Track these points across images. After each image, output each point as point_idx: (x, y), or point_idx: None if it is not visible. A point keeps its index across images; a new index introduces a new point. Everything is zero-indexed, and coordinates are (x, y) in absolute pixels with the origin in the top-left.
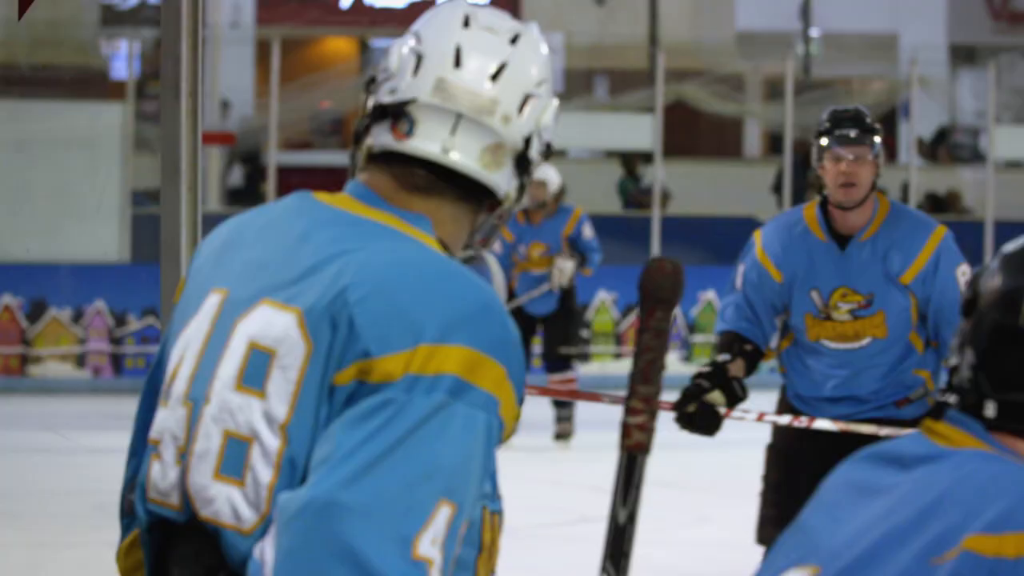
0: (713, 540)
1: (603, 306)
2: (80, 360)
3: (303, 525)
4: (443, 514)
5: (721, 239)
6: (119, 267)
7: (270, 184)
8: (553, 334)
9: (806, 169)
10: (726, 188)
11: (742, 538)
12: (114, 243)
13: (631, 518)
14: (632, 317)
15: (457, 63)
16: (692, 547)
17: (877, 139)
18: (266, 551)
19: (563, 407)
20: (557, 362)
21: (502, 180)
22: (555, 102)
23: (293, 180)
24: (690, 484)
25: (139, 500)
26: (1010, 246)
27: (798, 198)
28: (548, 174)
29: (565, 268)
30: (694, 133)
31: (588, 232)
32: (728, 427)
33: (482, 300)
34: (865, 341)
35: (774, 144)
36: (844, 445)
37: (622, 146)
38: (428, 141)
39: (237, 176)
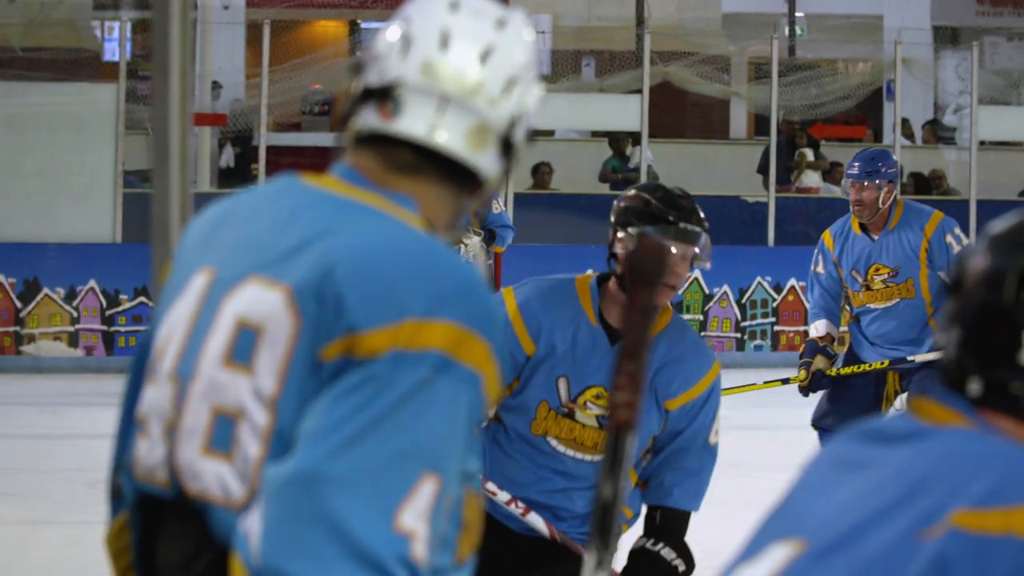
0: (699, 517)
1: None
2: (72, 339)
3: (288, 497)
4: (427, 488)
5: (708, 219)
6: (111, 247)
7: (261, 165)
8: None
9: (791, 149)
10: (712, 168)
11: (728, 512)
12: (106, 223)
13: (617, 494)
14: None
15: (444, 46)
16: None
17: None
18: (251, 523)
19: None
20: None
21: (487, 162)
22: (539, 87)
23: (284, 161)
24: None
25: (126, 477)
26: (995, 225)
27: (784, 178)
28: None
29: (470, 244)
30: (680, 114)
31: (496, 207)
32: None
33: (467, 277)
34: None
35: (760, 125)
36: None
37: (609, 127)
38: (415, 122)
39: (228, 157)
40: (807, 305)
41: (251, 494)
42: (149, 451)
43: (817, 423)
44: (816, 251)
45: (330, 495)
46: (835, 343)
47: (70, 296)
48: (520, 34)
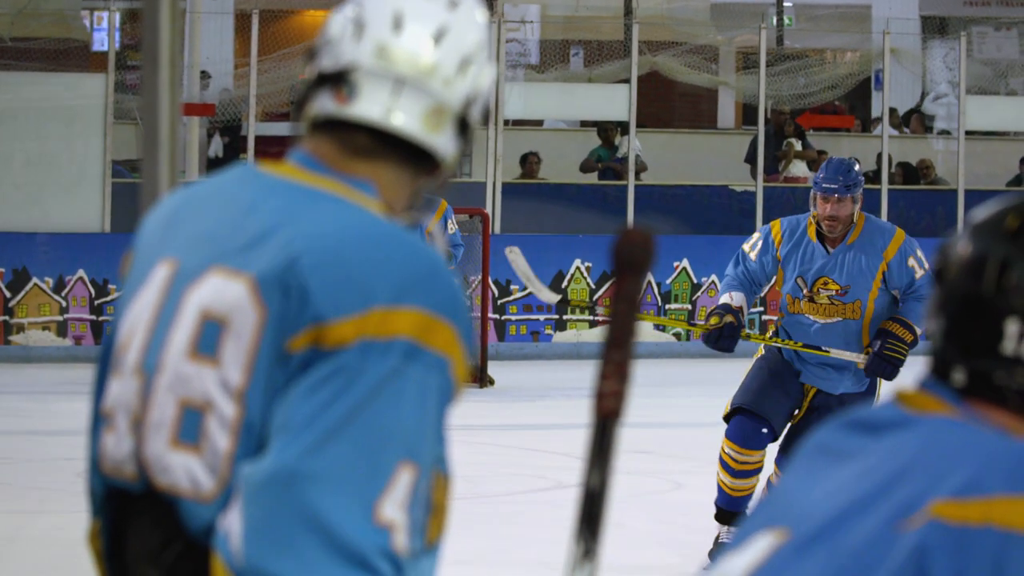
0: (687, 506)
1: (578, 274)
2: (61, 328)
3: (268, 496)
4: (404, 477)
5: (695, 208)
6: (100, 236)
7: (250, 154)
8: None
9: (779, 139)
10: (700, 158)
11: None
12: (95, 213)
13: (604, 484)
14: (607, 286)
15: (397, 28)
16: (666, 513)
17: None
18: (231, 523)
19: None
20: None
21: (443, 143)
22: (492, 68)
23: (272, 150)
24: (664, 451)
25: (93, 472)
26: (978, 214)
27: (771, 168)
28: None
29: None
30: (669, 104)
31: (452, 226)
32: (703, 393)
33: (431, 262)
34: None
35: (748, 114)
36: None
37: (597, 116)
38: (370, 106)
39: (217, 146)
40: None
41: (221, 486)
42: (116, 445)
43: (746, 404)
44: (757, 236)
45: (310, 493)
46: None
47: (59, 286)
48: (472, 15)
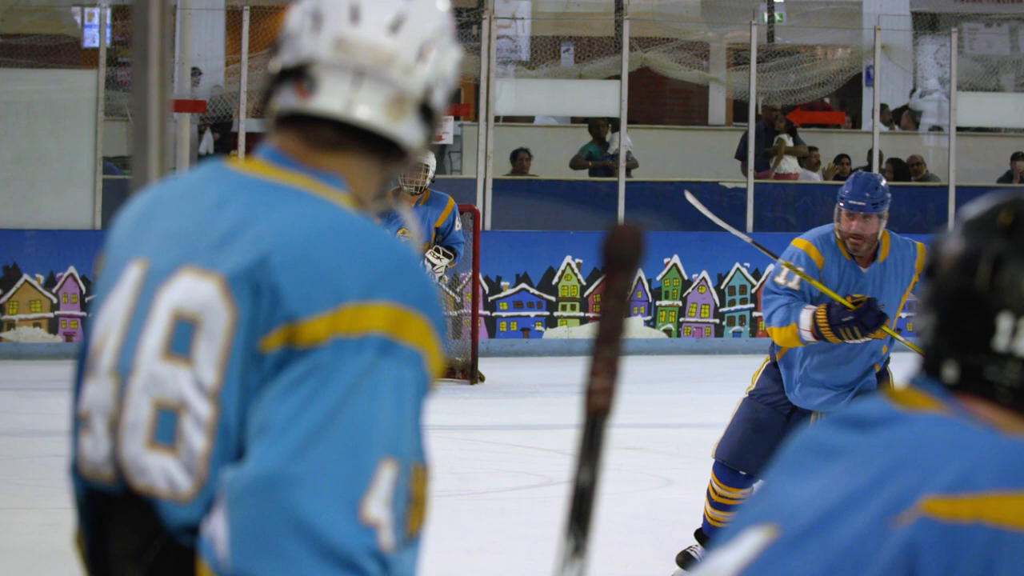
0: (677, 503)
1: (569, 271)
2: (52, 325)
3: (253, 502)
4: (386, 474)
5: (686, 205)
6: (90, 233)
7: (240, 151)
8: None
9: (770, 135)
10: (691, 154)
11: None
12: (86, 210)
13: (594, 480)
14: (598, 282)
15: (355, 19)
16: (656, 510)
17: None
18: (216, 528)
19: None
20: None
21: (407, 131)
22: (455, 51)
23: None
24: (655, 448)
25: (72, 475)
26: (969, 210)
27: (762, 164)
28: (429, 158)
29: (439, 266)
30: (659, 100)
31: (458, 224)
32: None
33: (401, 256)
34: None
35: (739, 111)
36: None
37: (588, 113)
38: (331, 98)
39: (208, 143)
40: (769, 322)
41: (198, 487)
42: (94, 448)
43: (728, 462)
44: (789, 262)
45: (295, 497)
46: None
47: (50, 283)
48: (431, 1)
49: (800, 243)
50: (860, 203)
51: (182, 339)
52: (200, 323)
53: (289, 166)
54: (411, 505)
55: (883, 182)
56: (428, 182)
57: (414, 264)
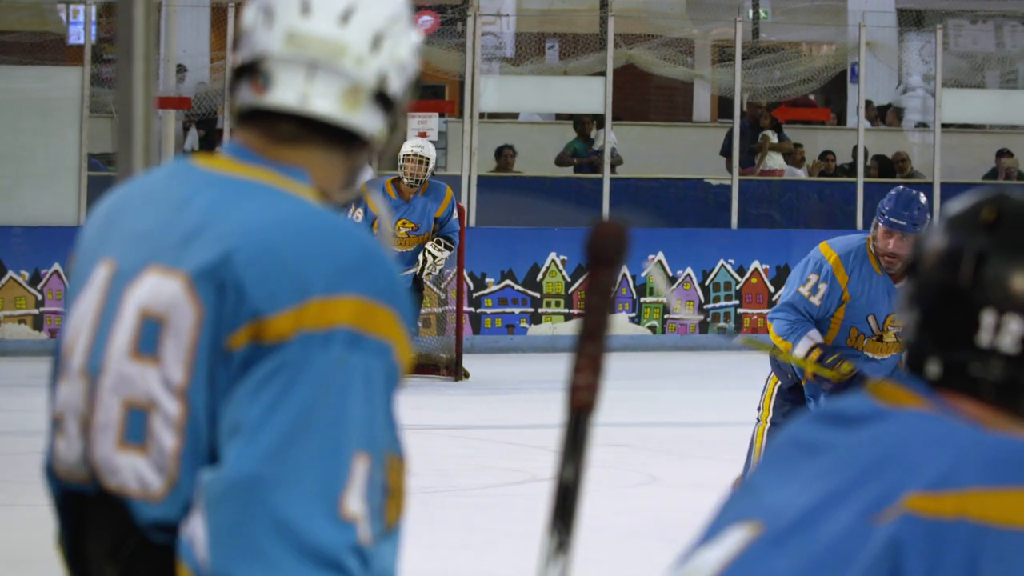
0: (661, 500)
1: (554, 268)
2: (37, 322)
3: (232, 505)
4: (360, 468)
5: (671, 202)
6: (75, 230)
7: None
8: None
9: (755, 132)
10: (676, 151)
11: (690, 497)
12: (71, 206)
13: (578, 477)
14: (582, 279)
15: (305, 13)
16: (640, 506)
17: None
18: (195, 531)
19: None
20: None
21: (365, 121)
22: (413, 37)
23: None
24: (639, 444)
25: (48, 476)
26: (952, 206)
27: (747, 161)
28: (430, 151)
29: (440, 257)
30: (644, 97)
31: (455, 214)
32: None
33: (365, 248)
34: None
35: (724, 107)
36: None
37: (573, 109)
38: (286, 93)
39: (192, 140)
40: (777, 329)
41: (169, 485)
42: (67, 449)
43: None
44: (815, 278)
45: (274, 498)
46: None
47: (35, 279)
48: None
49: (829, 254)
50: (901, 222)
51: (149, 338)
52: (166, 321)
53: (253, 161)
54: (388, 496)
55: (924, 199)
56: (428, 175)
57: (379, 256)
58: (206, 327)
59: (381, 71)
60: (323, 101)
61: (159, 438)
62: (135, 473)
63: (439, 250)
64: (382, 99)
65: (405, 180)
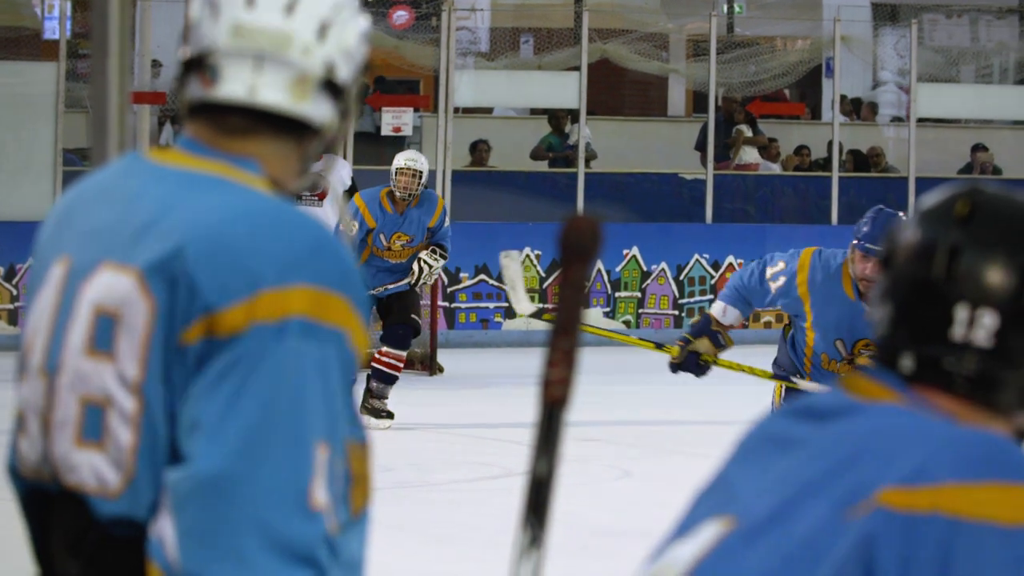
0: (635, 494)
1: (528, 262)
2: (12, 317)
3: (200, 504)
4: (321, 457)
5: (645, 196)
6: None
7: None
8: (401, 306)
9: (729, 126)
10: (650, 145)
11: (664, 492)
12: (45, 201)
13: (551, 472)
14: (556, 274)
15: (250, 5)
16: (614, 501)
17: None
18: (164, 531)
19: (387, 384)
20: (397, 337)
21: (314, 110)
22: (361, 23)
23: None
24: (612, 439)
25: (12, 475)
26: (926, 200)
27: (722, 155)
28: (422, 164)
29: (435, 267)
30: (619, 91)
31: (447, 222)
32: (651, 381)
33: (315, 237)
34: None
35: (698, 102)
36: None
37: (547, 104)
38: (234, 85)
39: (168, 135)
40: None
41: (127, 481)
42: (30, 447)
43: None
44: (782, 267)
45: (243, 494)
46: (727, 335)
47: (9, 275)
48: None
49: (804, 261)
50: (878, 247)
51: (104, 334)
52: (120, 317)
53: (205, 153)
54: (353, 483)
55: (903, 219)
56: (420, 188)
57: (330, 244)
58: (159, 322)
59: (328, 60)
60: (271, 92)
61: (116, 434)
62: (92, 470)
63: (434, 259)
64: (331, 87)
65: (398, 194)
